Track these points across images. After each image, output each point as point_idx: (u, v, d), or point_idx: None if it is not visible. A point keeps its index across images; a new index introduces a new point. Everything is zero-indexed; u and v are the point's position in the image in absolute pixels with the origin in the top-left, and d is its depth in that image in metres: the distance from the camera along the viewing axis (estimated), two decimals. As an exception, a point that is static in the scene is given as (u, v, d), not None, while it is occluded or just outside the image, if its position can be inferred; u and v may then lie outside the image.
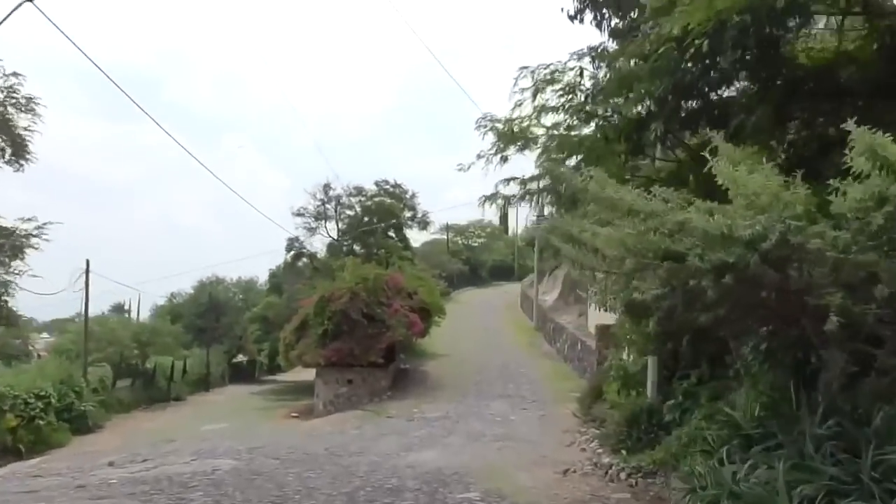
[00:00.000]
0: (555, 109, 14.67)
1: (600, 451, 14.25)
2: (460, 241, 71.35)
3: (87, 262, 29.08)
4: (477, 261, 72.34)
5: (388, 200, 37.70)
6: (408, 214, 38.61)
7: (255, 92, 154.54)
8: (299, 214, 39.19)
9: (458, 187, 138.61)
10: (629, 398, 13.66)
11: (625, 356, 15.23)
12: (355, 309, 22.53)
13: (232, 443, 16.99)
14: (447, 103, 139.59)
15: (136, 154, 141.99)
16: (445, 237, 66.19)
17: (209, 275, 50.93)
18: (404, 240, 38.26)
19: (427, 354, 32.05)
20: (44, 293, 27.73)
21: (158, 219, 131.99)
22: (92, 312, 38.60)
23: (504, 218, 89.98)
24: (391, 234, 36.86)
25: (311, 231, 38.01)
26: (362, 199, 38.28)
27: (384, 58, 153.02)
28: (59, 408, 22.12)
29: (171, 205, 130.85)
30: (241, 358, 49.19)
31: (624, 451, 11.74)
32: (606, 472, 11.44)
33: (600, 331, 24.10)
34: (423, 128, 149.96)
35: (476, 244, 73.89)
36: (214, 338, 46.86)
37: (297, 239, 37.43)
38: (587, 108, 13.93)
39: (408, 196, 38.44)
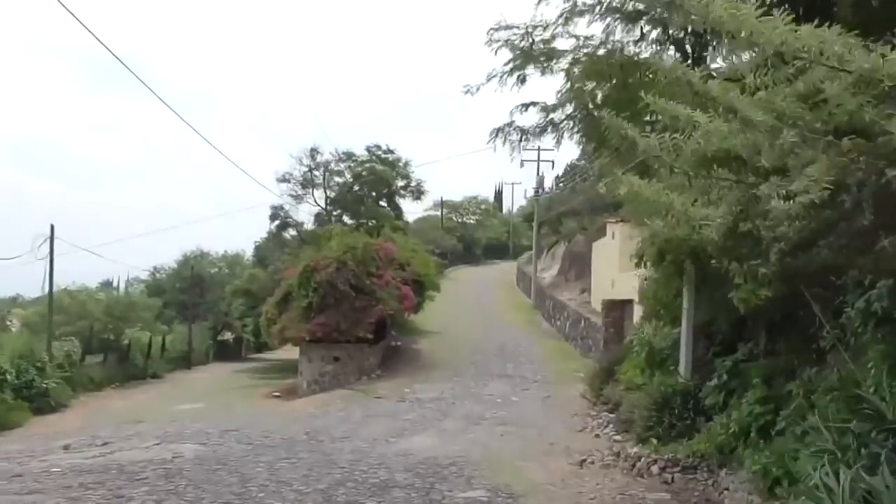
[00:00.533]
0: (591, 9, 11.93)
1: (618, 438, 12.49)
2: (454, 218, 69.43)
3: (52, 227, 26.92)
4: (471, 238, 70.42)
5: (380, 167, 35.47)
6: (401, 183, 36.18)
7: (248, 71, 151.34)
8: (284, 180, 36.20)
9: (453, 169, 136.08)
10: (655, 378, 11.81)
11: (649, 329, 13.34)
12: (342, 280, 20.61)
13: (203, 425, 15.18)
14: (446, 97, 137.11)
15: (126, 132, 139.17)
16: (440, 212, 64.05)
17: (193, 248, 48.87)
18: (397, 209, 36.01)
19: (420, 331, 30.26)
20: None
21: (149, 199, 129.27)
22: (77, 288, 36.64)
23: (499, 195, 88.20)
24: (383, 203, 34.58)
25: (298, 199, 35.36)
26: (352, 164, 35.69)
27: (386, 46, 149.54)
28: (17, 385, 20.21)
29: (162, 186, 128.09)
30: (227, 335, 47.27)
31: (654, 441, 9.94)
32: (633, 465, 9.65)
33: (607, 307, 22.33)
34: (422, 114, 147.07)
35: (471, 221, 71.91)
36: (198, 314, 44.90)
37: (281, 208, 35.10)
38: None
39: (401, 164, 36.11)
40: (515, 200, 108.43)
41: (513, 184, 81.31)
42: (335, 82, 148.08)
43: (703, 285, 9.95)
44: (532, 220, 49.44)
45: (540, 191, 38.47)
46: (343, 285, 20.80)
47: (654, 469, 9.22)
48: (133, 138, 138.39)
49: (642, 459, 9.55)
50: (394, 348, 25.63)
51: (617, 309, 22.13)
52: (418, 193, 35.67)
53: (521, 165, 38.71)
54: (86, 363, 26.41)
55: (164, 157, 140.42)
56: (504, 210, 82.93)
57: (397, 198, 34.99)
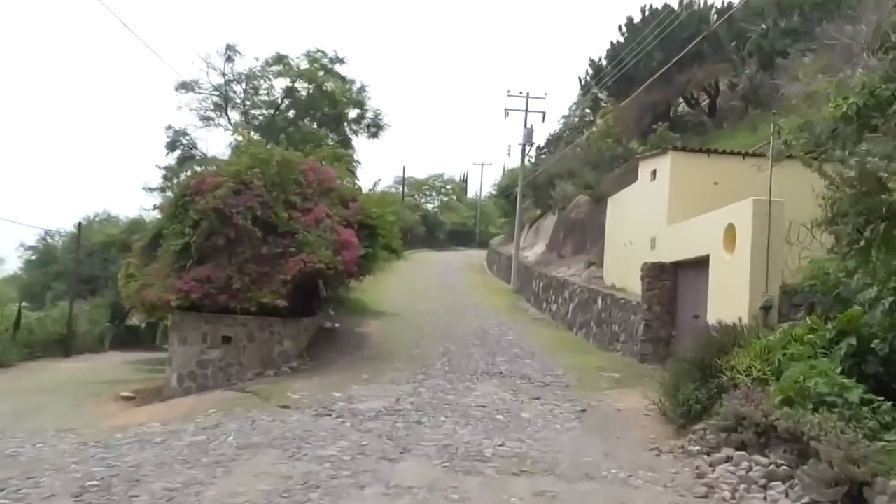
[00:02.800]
0: None
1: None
2: (417, 198, 61.64)
3: None
4: (434, 221, 62.78)
5: (327, 83, 26.10)
6: (353, 114, 27.72)
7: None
8: (186, 89, 25.72)
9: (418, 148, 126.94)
10: None
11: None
12: (242, 209, 12.65)
13: None
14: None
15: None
16: (401, 186, 55.83)
17: (100, 210, 39.92)
18: (347, 144, 26.14)
19: (369, 311, 22.42)
20: None
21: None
22: None
23: (463, 181, 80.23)
24: (331, 135, 25.51)
25: (207, 122, 25.86)
26: (283, 70, 24.98)
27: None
28: None
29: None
30: (135, 320, 38.37)
31: None
32: None
33: (651, 273, 14.79)
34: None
35: (434, 204, 64.17)
36: (95, 289, 36.13)
37: (183, 133, 25.82)
38: None
39: (355, 88, 26.66)
40: (485, 184, 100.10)
41: (482, 164, 70.56)
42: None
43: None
44: (509, 195, 41.93)
45: (527, 147, 31.08)
46: (242, 218, 12.79)
47: None
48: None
49: None
50: (328, 331, 17.68)
51: (667, 275, 14.63)
52: (376, 128, 27.10)
53: (506, 115, 31.14)
54: None
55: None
56: (472, 196, 75.08)
57: (349, 132, 26.29)
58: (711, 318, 11.70)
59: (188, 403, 11.45)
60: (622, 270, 18.17)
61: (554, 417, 9.86)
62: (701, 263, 13.00)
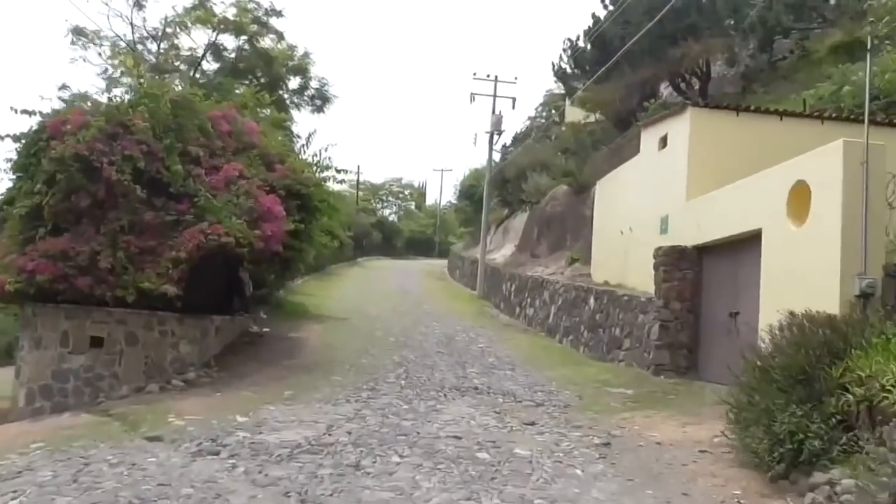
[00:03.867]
0: None
1: None
2: (373, 203, 57.92)
3: None
4: (392, 229, 59.16)
5: (261, 39, 21.00)
6: (294, 84, 22.37)
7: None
8: (82, 37, 20.56)
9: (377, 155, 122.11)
10: None
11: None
12: (118, 158, 8.92)
13: None
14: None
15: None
16: (356, 186, 51.96)
17: None
18: (286, 115, 20.61)
19: (311, 315, 18.74)
20: None
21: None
22: None
23: (424, 190, 76.64)
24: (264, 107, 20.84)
25: (111, 84, 19.95)
26: (204, 15, 19.94)
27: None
28: None
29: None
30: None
31: None
32: None
33: (669, 260, 11.57)
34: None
35: (392, 210, 60.64)
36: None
37: (83, 97, 19.96)
38: None
39: (297, 52, 22.06)
40: (446, 192, 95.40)
41: (442, 170, 66.21)
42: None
43: None
44: (472, 195, 38.71)
45: (496, 135, 27.81)
46: (117, 171, 9.09)
47: None
48: None
49: None
50: (252, 336, 13.97)
51: (687, 262, 11.48)
52: (321, 101, 23.24)
53: (472, 100, 27.92)
54: None
55: None
56: (431, 203, 71.66)
57: (289, 104, 22.14)
58: (764, 313, 8.51)
59: (10, 434, 7.66)
60: (618, 264, 14.97)
61: (566, 456, 6.45)
62: (743, 243, 9.84)
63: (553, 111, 41.33)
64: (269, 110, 14.03)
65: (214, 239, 9.20)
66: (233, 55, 20.45)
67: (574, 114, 28.60)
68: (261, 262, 11.22)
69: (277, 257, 11.06)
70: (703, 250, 11.22)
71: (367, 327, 16.95)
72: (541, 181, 25.27)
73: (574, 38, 25.92)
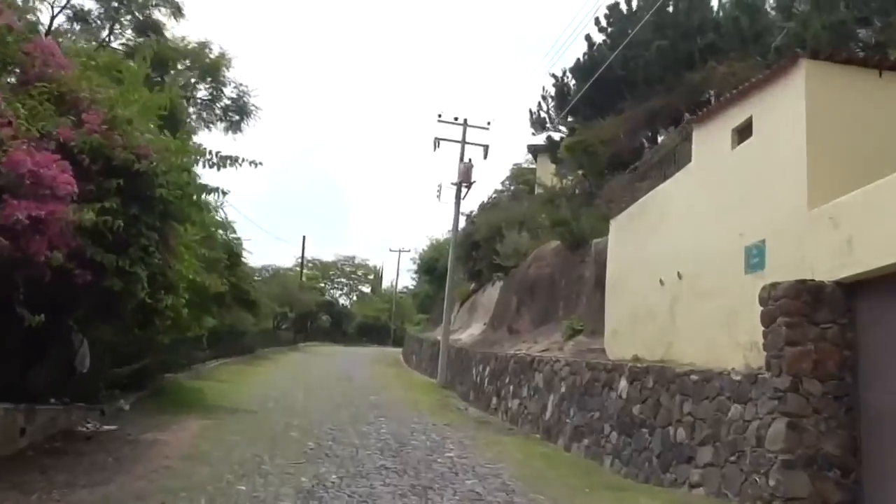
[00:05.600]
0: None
1: None
2: (321, 282, 52.22)
3: None
4: (342, 313, 53.39)
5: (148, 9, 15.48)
6: (202, 92, 16.98)
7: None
8: None
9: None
10: None
11: None
12: None
13: None
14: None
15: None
16: (300, 264, 46.07)
17: None
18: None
19: (201, 406, 13.06)
20: None
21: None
22: None
23: (380, 274, 71.11)
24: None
25: None
26: None
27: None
28: None
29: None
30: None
31: None
32: None
33: (791, 305, 6.62)
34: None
35: (342, 291, 54.93)
36: None
37: None
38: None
39: (212, 52, 16.72)
40: (402, 275, 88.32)
41: (399, 251, 59.99)
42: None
43: None
44: (433, 269, 33.74)
45: (464, 188, 22.89)
46: None
47: None
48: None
49: None
50: (76, 437, 8.29)
51: (829, 312, 6.41)
52: (240, 116, 17.77)
53: (436, 146, 23.33)
54: None
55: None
56: (387, 286, 66.20)
57: (194, 119, 16.36)
58: None
59: None
60: (655, 331, 10.01)
61: None
62: None
63: (521, 185, 37.54)
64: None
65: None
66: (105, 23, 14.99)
67: (547, 179, 24.26)
68: (42, 298, 5.81)
69: (74, 285, 5.69)
70: (858, 289, 6.29)
71: (279, 426, 11.36)
72: (520, 241, 20.47)
73: (559, 75, 21.89)
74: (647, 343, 10.30)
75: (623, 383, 9.39)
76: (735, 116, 8.62)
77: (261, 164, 8.29)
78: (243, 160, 8.08)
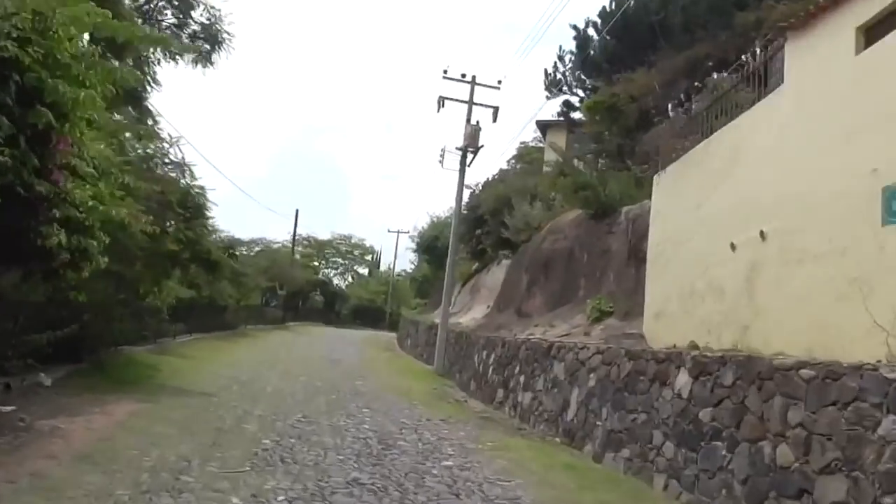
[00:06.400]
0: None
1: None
2: (317, 263, 49.73)
3: None
4: (337, 294, 50.99)
5: None
6: (168, 15, 14.11)
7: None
8: None
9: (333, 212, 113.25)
10: None
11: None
12: None
13: None
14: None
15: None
16: (292, 240, 43.56)
17: None
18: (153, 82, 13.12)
19: (146, 386, 10.73)
20: None
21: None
22: None
23: (378, 258, 68.56)
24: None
25: None
26: None
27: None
28: None
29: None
30: None
31: None
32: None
33: None
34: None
35: (336, 270, 52.58)
36: None
37: None
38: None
39: None
40: (400, 256, 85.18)
41: (398, 232, 56.28)
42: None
43: None
44: (434, 248, 31.34)
45: (470, 155, 20.39)
46: None
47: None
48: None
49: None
50: None
51: None
52: (211, 46, 15.15)
53: (441, 105, 20.85)
54: None
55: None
56: (384, 269, 63.71)
57: (158, 53, 13.44)
58: None
59: None
60: (722, 312, 7.60)
61: None
62: None
63: (528, 164, 35.17)
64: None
65: None
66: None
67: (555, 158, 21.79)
68: None
69: None
70: None
71: (234, 415, 9.02)
72: (532, 213, 18.04)
73: (581, 27, 19.36)
74: (708, 326, 7.93)
75: (683, 378, 7.00)
76: (859, 12, 6.18)
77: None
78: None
